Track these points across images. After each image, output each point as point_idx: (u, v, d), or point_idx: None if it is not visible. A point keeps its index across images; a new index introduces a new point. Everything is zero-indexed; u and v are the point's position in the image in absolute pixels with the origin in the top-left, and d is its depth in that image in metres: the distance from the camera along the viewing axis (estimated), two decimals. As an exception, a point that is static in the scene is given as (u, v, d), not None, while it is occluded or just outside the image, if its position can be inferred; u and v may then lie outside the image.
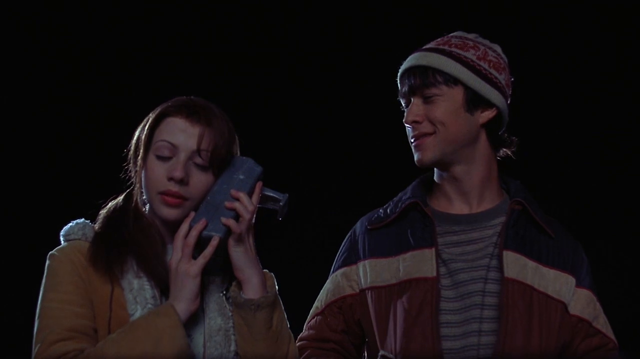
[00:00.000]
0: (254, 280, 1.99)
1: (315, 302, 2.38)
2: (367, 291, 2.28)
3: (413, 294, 2.20)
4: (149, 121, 2.04)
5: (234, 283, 2.02)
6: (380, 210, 2.36)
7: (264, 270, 2.06)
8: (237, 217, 1.97)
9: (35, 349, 1.90)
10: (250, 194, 2.00)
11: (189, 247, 1.95)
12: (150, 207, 2.04)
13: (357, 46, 4.12)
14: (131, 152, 2.07)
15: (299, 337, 2.35)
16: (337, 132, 4.15)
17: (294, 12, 4.14)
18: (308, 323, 2.38)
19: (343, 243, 2.39)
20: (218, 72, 4.04)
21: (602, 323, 2.28)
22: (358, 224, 2.38)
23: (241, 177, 2.01)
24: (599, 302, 2.28)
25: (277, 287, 2.07)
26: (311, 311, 2.39)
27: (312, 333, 2.35)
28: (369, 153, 4.12)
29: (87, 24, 4.01)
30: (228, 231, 1.96)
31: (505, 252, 2.19)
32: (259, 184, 2.03)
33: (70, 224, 2.04)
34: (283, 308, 2.07)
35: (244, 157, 2.06)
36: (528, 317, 2.17)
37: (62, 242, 2.02)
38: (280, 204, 2.06)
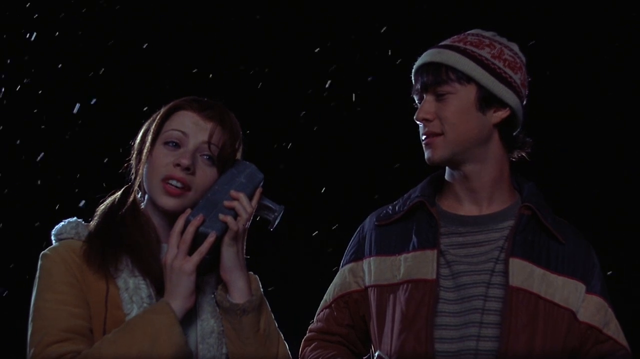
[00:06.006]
0: (239, 283, 1.95)
1: (325, 295, 2.37)
2: (370, 289, 2.26)
3: (411, 296, 2.16)
4: (160, 113, 2.02)
5: (219, 286, 1.99)
6: (390, 206, 2.32)
7: (249, 272, 2.02)
8: (235, 216, 1.95)
9: (30, 352, 1.86)
10: (249, 199, 1.99)
11: (186, 243, 1.91)
12: (149, 200, 2.00)
13: (355, 46, 4.11)
14: (136, 144, 2.03)
15: (308, 328, 2.36)
16: (335, 132, 4.15)
17: (293, 12, 4.13)
18: (317, 315, 2.36)
19: (352, 238, 2.36)
20: (212, 73, 4.04)
21: (613, 329, 2.22)
22: (367, 220, 2.35)
23: (243, 180, 2.00)
24: (611, 307, 2.23)
25: (262, 289, 2.03)
26: (321, 304, 2.37)
27: (320, 325, 2.34)
28: (367, 153, 4.12)
29: (84, 23, 4.00)
30: (224, 230, 1.94)
31: (511, 260, 2.14)
32: (259, 191, 2.02)
33: (62, 223, 1.99)
34: (270, 309, 2.04)
35: (247, 162, 2.05)
36: (532, 325, 2.12)
37: (54, 241, 1.98)
38: (275, 214, 2.05)
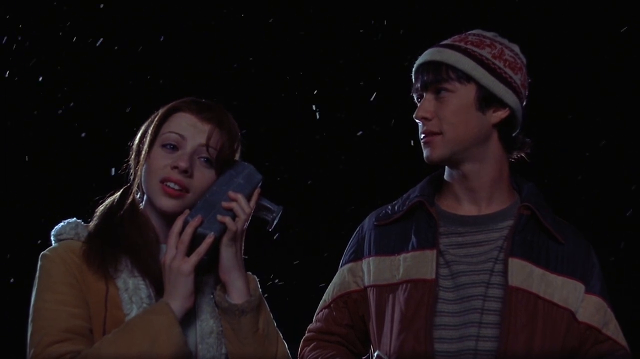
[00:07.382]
0: (238, 284, 1.96)
1: (324, 295, 2.36)
2: (369, 289, 2.25)
3: (410, 296, 2.15)
4: (158, 115, 2.02)
5: (218, 287, 1.98)
6: (389, 206, 2.31)
7: (247, 272, 2.02)
8: (233, 217, 1.95)
9: (30, 353, 1.86)
10: (247, 199, 1.98)
11: (184, 244, 1.91)
12: (147, 201, 2.00)
13: (355, 45, 4.11)
14: (134, 145, 2.03)
15: (307, 328, 2.35)
16: (335, 132, 4.15)
17: (293, 11, 4.12)
18: (316, 314, 2.35)
19: (351, 238, 2.36)
20: (212, 73, 4.04)
21: (612, 330, 2.21)
22: (367, 220, 2.34)
23: (241, 181, 2.00)
24: (611, 308, 2.22)
25: (260, 290, 2.03)
26: (320, 304, 2.36)
27: (319, 325, 2.33)
28: (367, 153, 4.12)
29: (85, 22, 4.00)
30: (223, 231, 1.94)
31: (510, 260, 2.14)
32: (257, 191, 2.02)
33: (62, 223, 1.99)
34: (268, 309, 2.04)
35: (246, 163, 2.05)
36: (531, 325, 2.11)
37: (54, 242, 1.98)
38: (274, 215, 2.05)
